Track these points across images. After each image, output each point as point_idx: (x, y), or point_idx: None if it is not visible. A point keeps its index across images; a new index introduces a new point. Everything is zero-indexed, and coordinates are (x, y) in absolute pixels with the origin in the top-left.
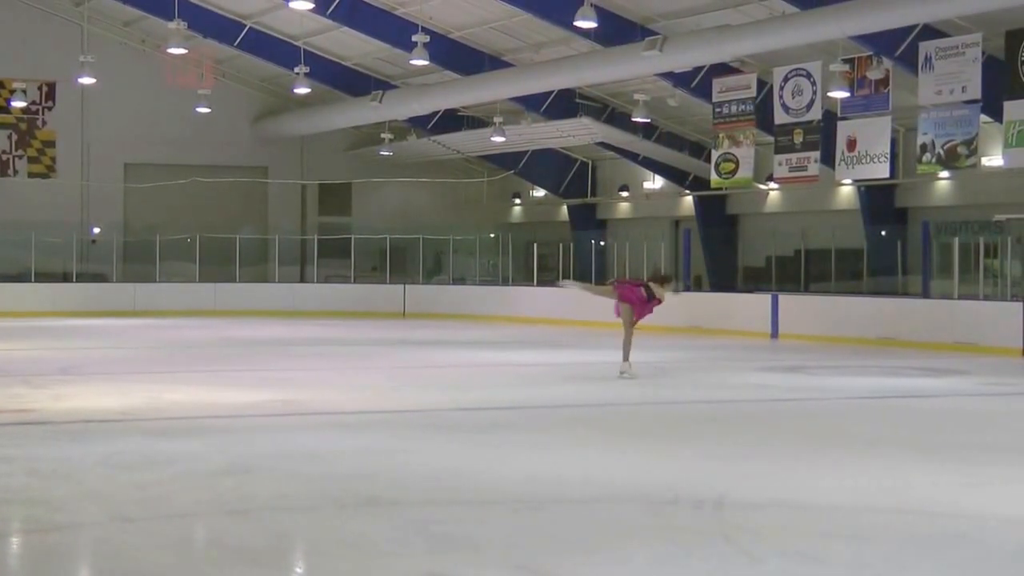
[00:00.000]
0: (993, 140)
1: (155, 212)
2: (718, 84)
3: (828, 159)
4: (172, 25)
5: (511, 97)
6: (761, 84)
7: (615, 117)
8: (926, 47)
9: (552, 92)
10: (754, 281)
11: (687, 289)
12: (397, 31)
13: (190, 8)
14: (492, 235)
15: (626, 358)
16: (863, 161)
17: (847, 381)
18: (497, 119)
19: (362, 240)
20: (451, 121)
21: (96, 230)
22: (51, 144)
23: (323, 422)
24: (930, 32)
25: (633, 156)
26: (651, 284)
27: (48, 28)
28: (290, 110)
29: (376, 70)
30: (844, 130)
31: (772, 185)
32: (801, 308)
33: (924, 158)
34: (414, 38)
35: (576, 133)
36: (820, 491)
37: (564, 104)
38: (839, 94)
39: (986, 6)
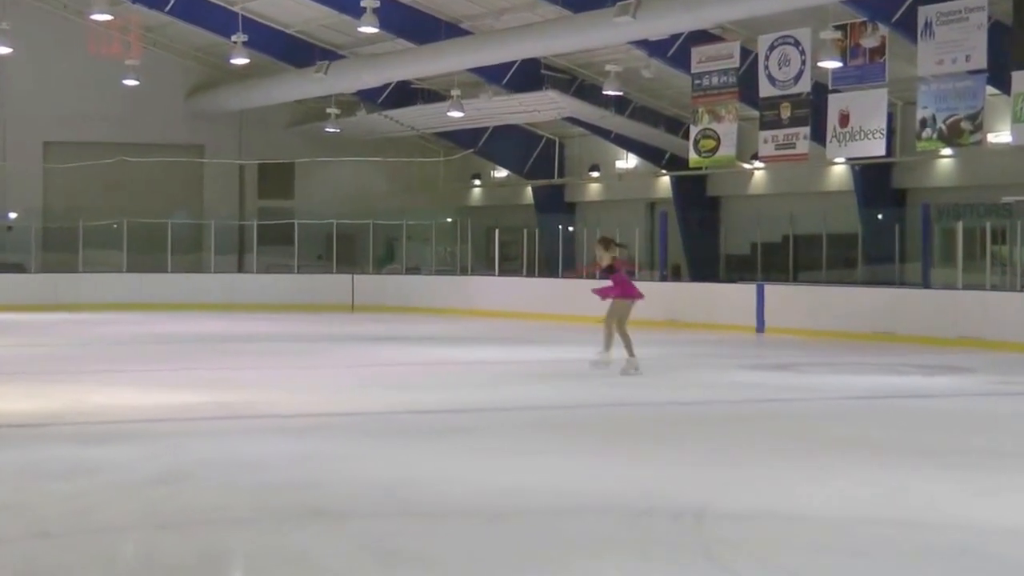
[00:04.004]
0: (1000, 114)
1: (78, 195)
2: (697, 53)
3: (819, 136)
4: None
5: (470, 68)
6: (745, 53)
7: (584, 90)
8: (926, 12)
9: (515, 62)
10: (738, 270)
11: (663, 278)
12: None
13: None
14: (449, 220)
15: (631, 353)
16: (857, 138)
17: (840, 380)
18: (454, 92)
19: (306, 226)
20: (404, 95)
21: (12, 215)
22: None
23: (264, 426)
24: None
25: (604, 133)
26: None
27: None
28: (227, 83)
29: (321, 38)
30: (836, 104)
31: (757, 164)
32: (789, 299)
33: (924, 134)
34: (363, 3)
35: (541, 108)
36: (811, 501)
37: (528, 76)
38: (830, 64)
39: None
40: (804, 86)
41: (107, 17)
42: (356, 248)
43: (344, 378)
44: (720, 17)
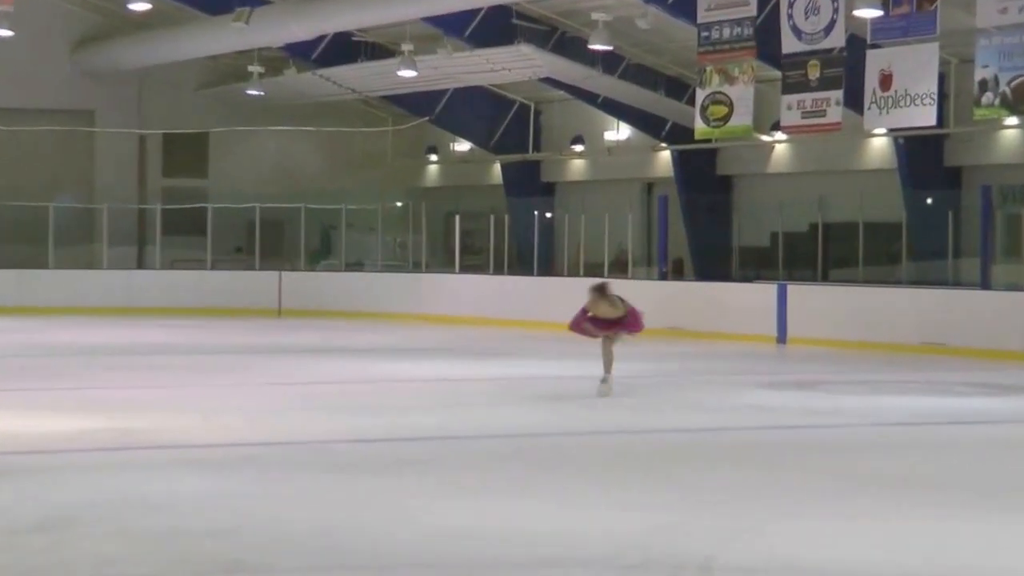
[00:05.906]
0: None
1: None
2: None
3: (854, 101)
4: None
5: (425, 17)
6: (763, 0)
7: (565, 44)
8: None
9: (480, 10)
10: (754, 266)
11: (663, 277)
12: None
13: None
14: (399, 204)
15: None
16: (901, 104)
17: (879, 402)
18: (406, 47)
19: (222, 211)
20: (344, 50)
21: None
22: None
23: (170, 459)
24: None
25: (590, 97)
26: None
27: None
28: (124, 34)
29: None
30: (876, 62)
31: (778, 136)
32: (818, 303)
33: (984, 99)
34: None
35: (513, 66)
36: (839, 551)
37: (497, 27)
38: (869, 13)
39: None
40: (837, 40)
41: None
42: (284, 239)
43: (269, 399)
44: None
